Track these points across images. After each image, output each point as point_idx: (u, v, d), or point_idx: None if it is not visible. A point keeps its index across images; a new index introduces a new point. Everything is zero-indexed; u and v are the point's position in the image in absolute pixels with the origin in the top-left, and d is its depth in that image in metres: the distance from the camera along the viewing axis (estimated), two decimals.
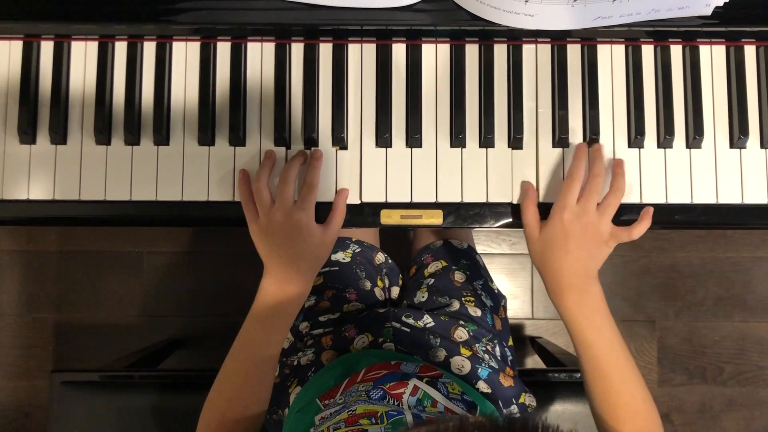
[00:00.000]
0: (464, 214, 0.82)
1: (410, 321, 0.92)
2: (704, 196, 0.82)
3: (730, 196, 0.82)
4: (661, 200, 0.82)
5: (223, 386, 0.80)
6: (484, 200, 0.82)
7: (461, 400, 0.75)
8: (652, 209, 0.79)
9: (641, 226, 0.77)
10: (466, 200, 0.82)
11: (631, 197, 0.82)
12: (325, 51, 0.83)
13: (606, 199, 0.78)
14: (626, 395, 0.74)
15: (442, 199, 0.82)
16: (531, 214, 0.78)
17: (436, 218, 0.82)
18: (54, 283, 1.69)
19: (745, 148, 0.83)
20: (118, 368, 1.26)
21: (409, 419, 0.66)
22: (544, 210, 0.80)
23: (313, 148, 0.82)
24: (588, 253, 0.75)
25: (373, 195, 0.82)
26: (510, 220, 0.82)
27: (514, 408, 0.88)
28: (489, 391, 0.86)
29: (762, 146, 0.83)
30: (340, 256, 1.05)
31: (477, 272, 1.06)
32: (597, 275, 0.76)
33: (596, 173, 0.78)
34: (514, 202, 0.82)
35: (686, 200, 0.82)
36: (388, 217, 0.82)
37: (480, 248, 1.15)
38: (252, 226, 0.79)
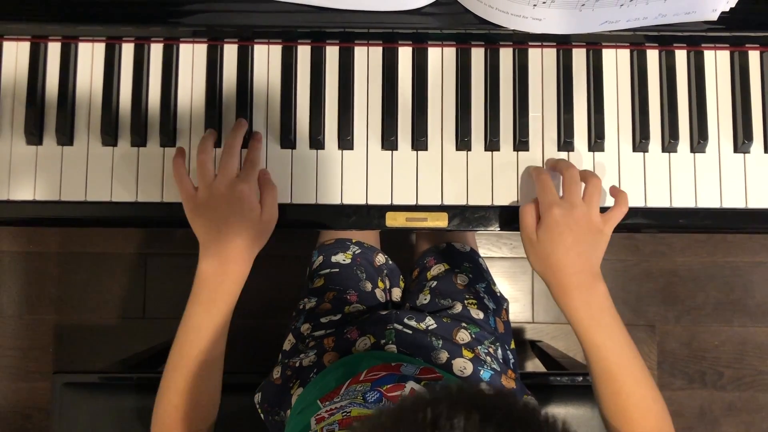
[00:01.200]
0: (469, 217, 0.83)
1: (412, 323, 0.92)
2: (708, 200, 0.83)
3: (733, 200, 0.83)
4: (666, 204, 0.83)
5: (170, 378, 0.77)
6: (489, 203, 0.82)
7: None
8: (619, 188, 0.80)
9: (621, 197, 0.78)
10: (471, 203, 0.82)
11: (636, 201, 0.82)
12: (332, 54, 0.84)
13: (586, 190, 0.77)
14: (637, 396, 0.74)
15: (447, 202, 0.82)
16: (530, 218, 0.77)
17: (441, 221, 0.83)
18: (55, 285, 1.69)
19: (749, 152, 0.83)
20: (120, 370, 1.26)
21: None
22: None
23: (253, 131, 0.82)
24: (588, 246, 0.75)
25: (378, 197, 0.82)
26: (516, 223, 0.83)
27: None
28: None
29: (766, 151, 0.83)
30: (341, 258, 1.05)
31: (479, 275, 1.06)
32: (600, 273, 0.75)
33: (567, 166, 0.78)
34: (521, 205, 0.82)
35: (690, 204, 0.83)
36: (394, 220, 0.83)
37: (481, 252, 1.15)
38: (188, 203, 0.77)
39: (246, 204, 0.75)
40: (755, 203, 0.83)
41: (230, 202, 0.75)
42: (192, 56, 0.84)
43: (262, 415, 0.93)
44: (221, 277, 0.75)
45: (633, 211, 0.82)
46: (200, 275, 0.76)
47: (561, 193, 0.78)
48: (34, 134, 0.81)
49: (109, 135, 0.82)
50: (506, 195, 0.83)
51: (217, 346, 0.78)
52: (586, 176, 0.78)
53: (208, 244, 0.76)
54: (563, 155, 0.83)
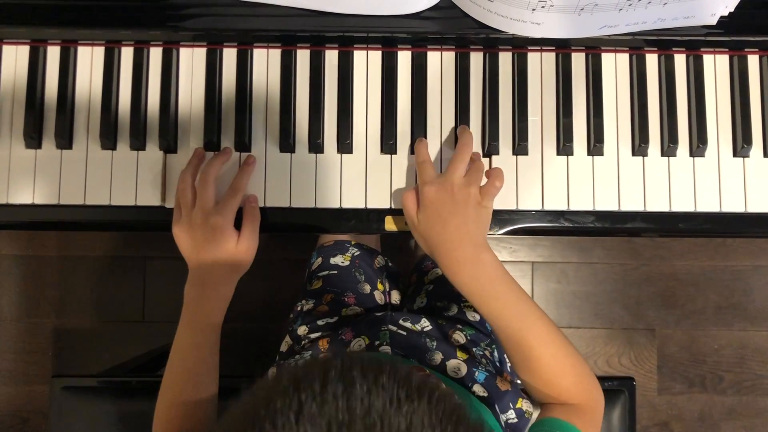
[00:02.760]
0: None
1: (407, 324, 0.92)
2: (708, 204, 0.83)
3: (733, 204, 0.83)
4: (665, 208, 0.83)
5: (164, 396, 0.80)
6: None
7: None
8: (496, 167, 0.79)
9: (495, 172, 0.77)
10: None
11: (635, 205, 0.83)
12: (331, 58, 0.84)
13: (470, 170, 0.77)
14: (546, 356, 0.73)
15: None
16: (410, 203, 0.78)
17: None
18: (54, 288, 1.69)
19: (748, 156, 0.83)
20: (119, 374, 1.25)
21: None
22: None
23: (246, 154, 0.82)
24: (465, 219, 0.74)
25: (377, 201, 0.83)
26: (514, 227, 0.83)
27: (510, 413, 0.88)
28: (485, 394, 0.86)
29: (765, 155, 0.84)
30: (339, 260, 1.05)
31: None
32: (486, 243, 0.75)
33: (462, 145, 0.79)
34: (519, 208, 0.82)
35: (690, 208, 0.83)
36: (393, 224, 0.83)
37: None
38: (173, 227, 0.80)
39: (219, 236, 0.77)
40: (755, 207, 0.83)
41: (205, 232, 0.77)
42: (191, 60, 0.84)
43: None
44: (202, 301, 0.79)
45: (632, 216, 0.83)
46: (185, 298, 0.80)
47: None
48: (33, 138, 0.81)
49: (109, 139, 0.82)
50: (505, 199, 0.82)
51: (204, 363, 0.80)
52: (473, 159, 0.79)
53: (191, 268, 0.80)
54: (562, 159, 0.83)
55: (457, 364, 0.87)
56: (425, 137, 0.82)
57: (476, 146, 0.83)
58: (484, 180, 0.78)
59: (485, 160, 0.83)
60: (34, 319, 1.69)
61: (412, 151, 0.83)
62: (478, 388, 0.85)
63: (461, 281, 0.75)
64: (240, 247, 0.78)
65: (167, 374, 0.80)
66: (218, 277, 0.79)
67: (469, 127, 0.83)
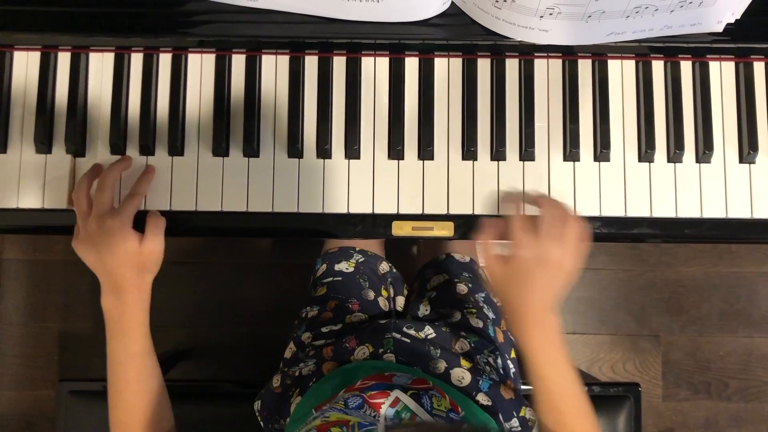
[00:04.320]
0: (475, 227, 0.83)
1: (411, 332, 0.92)
2: (714, 210, 0.83)
3: (739, 210, 0.83)
4: (671, 214, 0.83)
5: (112, 415, 0.80)
6: (495, 213, 0.83)
7: (445, 417, 0.75)
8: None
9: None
10: (477, 212, 0.83)
11: (641, 211, 0.83)
12: (339, 64, 0.84)
13: (565, 232, 0.76)
14: (578, 427, 0.76)
15: (453, 211, 0.83)
16: (489, 253, 0.78)
17: (447, 230, 0.83)
18: (60, 293, 1.69)
19: (754, 163, 0.84)
20: None
21: None
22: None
23: (148, 165, 0.82)
24: (551, 290, 0.76)
25: (385, 207, 0.83)
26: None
27: (514, 421, 0.87)
28: (489, 403, 0.86)
29: None
30: (344, 266, 1.05)
31: (479, 285, 1.06)
32: (556, 307, 0.76)
33: (550, 205, 0.78)
34: (526, 214, 0.82)
35: (696, 214, 0.83)
36: (400, 229, 0.83)
37: (482, 261, 1.15)
38: (73, 240, 0.78)
39: (117, 236, 0.75)
40: (761, 213, 0.83)
41: (102, 238, 0.76)
42: (200, 66, 0.84)
43: (261, 423, 0.93)
44: (121, 308, 0.78)
45: (638, 221, 0.83)
46: (104, 313, 0.79)
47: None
48: (43, 143, 0.82)
49: (118, 144, 0.82)
50: (512, 205, 0.83)
51: (143, 371, 0.80)
52: (566, 217, 0.77)
53: (102, 279, 0.78)
54: (569, 165, 0.83)
55: (461, 372, 0.87)
56: (432, 144, 0.83)
57: (484, 152, 0.83)
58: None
59: (493, 164, 0.83)
60: (40, 323, 1.69)
61: (419, 156, 0.83)
62: (482, 397, 0.85)
63: (526, 338, 0.76)
64: (144, 248, 0.77)
65: (111, 396, 0.79)
66: (129, 280, 0.77)
67: (476, 128, 0.83)
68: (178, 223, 0.83)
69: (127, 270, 0.77)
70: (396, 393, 0.73)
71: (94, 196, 0.78)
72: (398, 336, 0.91)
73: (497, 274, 0.78)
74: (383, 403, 0.72)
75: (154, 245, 0.78)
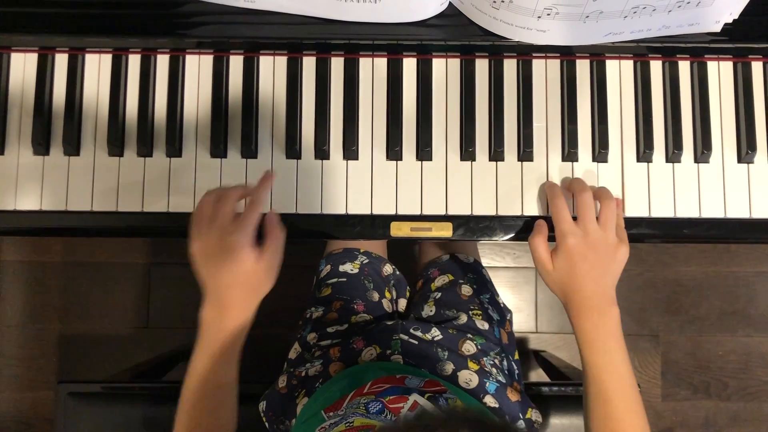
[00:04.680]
0: (474, 227, 0.83)
1: (418, 333, 0.92)
2: (712, 210, 0.83)
3: (738, 210, 0.83)
4: (670, 214, 0.83)
5: (182, 420, 0.77)
6: (493, 213, 0.83)
7: None
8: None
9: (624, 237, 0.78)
10: (476, 213, 0.83)
11: (639, 211, 0.83)
12: (337, 65, 0.84)
13: (601, 212, 0.78)
14: (626, 422, 0.74)
15: (452, 212, 0.83)
16: (543, 250, 0.78)
17: (445, 231, 0.83)
18: (59, 295, 1.69)
19: (752, 162, 0.84)
20: (124, 380, 1.26)
21: None
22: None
23: (265, 170, 0.81)
24: (604, 271, 0.76)
25: (383, 207, 0.83)
26: (519, 232, 0.83)
27: (521, 423, 0.88)
28: (496, 405, 0.86)
29: None
30: (348, 267, 1.05)
31: (483, 286, 1.06)
32: (615, 297, 0.76)
33: (580, 189, 0.78)
34: (524, 214, 0.82)
35: (694, 214, 0.83)
36: (398, 230, 0.83)
37: (484, 261, 1.15)
38: (189, 246, 0.75)
39: (236, 256, 0.72)
40: (759, 213, 0.83)
41: (220, 253, 0.73)
42: (198, 67, 0.84)
43: (266, 424, 0.93)
44: (221, 324, 0.75)
45: (637, 221, 0.83)
46: (201, 323, 0.75)
47: (573, 211, 0.79)
48: (41, 144, 0.82)
49: (116, 145, 0.82)
50: (511, 205, 0.83)
51: (222, 390, 0.78)
52: (601, 197, 0.78)
53: (207, 291, 0.75)
54: (567, 165, 0.83)
55: (469, 374, 0.87)
56: (431, 144, 0.83)
57: (482, 153, 0.83)
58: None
59: (491, 164, 0.83)
60: (39, 325, 1.69)
61: (417, 157, 0.83)
62: (489, 399, 0.85)
63: (584, 327, 0.76)
64: (259, 267, 0.74)
65: (185, 399, 0.76)
66: (236, 300, 0.74)
67: (475, 128, 0.83)
68: (180, 225, 0.82)
69: (237, 291, 0.74)
70: (414, 397, 0.74)
71: (215, 206, 0.75)
72: (406, 337, 0.91)
73: (550, 270, 0.78)
74: (402, 407, 0.72)
75: (271, 265, 0.76)
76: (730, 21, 0.77)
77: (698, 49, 0.83)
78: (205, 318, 0.75)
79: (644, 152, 0.83)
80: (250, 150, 0.82)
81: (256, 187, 0.78)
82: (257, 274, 0.74)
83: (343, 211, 0.83)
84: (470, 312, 0.99)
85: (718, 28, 0.78)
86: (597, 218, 0.77)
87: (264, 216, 0.77)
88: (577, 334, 0.77)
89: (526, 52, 0.84)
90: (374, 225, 0.83)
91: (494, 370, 0.91)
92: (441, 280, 1.07)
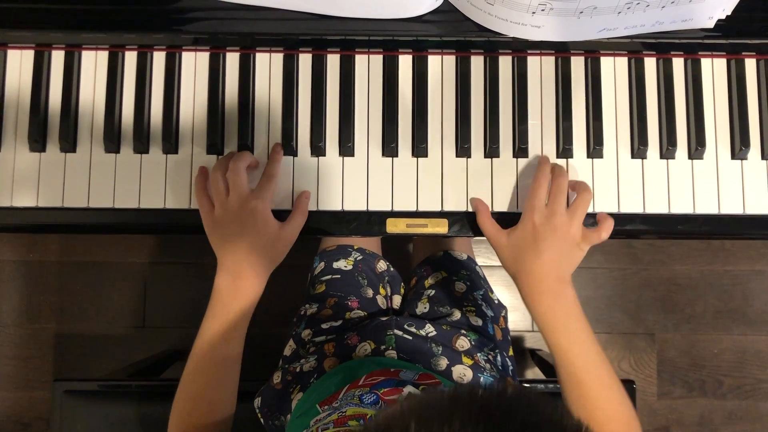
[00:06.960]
0: (469, 224, 0.83)
1: (412, 329, 0.92)
2: (706, 206, 0.83)
3: (731, 206, 0.83)
4: (664, 210, 0.83)
5: (186, 387, 0.79)
6: (489, 210, 0.83)
7: None
8: (606, 213, 0.80)
9: (607, 225, 0.78)
10: (471, 209, 0.83)
11: (634, 207, 0.83)
12: (333, 61, 0.84)
13: (575, 201, 0.78)
14: (603, 400, 0.74)
15: (447, 208, 0.83)
16: (489, 225, 0.80)
17: (441, 227, 0.83)
18: (54, 294, 1.69)
19: (746, 159, 0.84)
20: (119, 378, 1.26)
21: None
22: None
23: (274, 143, 0.83)
24: (560, 255, 0.76)
25: (379, 204, 0.83)
26: None
27: None
28: None
29: (763, 157, 0.84)
30: (342, 264, 1.05)
31: (477, 282, 1.06)
32: (570, 279, 0.76)
33: (558, 173, 0.79)
34: (520, 211, 0.82)
35: (689, 210, 0.83)
36: (394, 226, 0.83)
37: (479, 260, 1.15)
38: (206, 219, 0.79)
39: (259, 219, 0.76)
40: (753, 209, 0.83)
41: (242, 218, 0.76)
42: (194, 64, 0.84)
43: (261, 420, 0.93)
44: (234, 293, 0.77)
45: (632, 218, 0.83)
46: (215, 290, 0.78)
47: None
48: (37, 141, 0.82)
49: (112, 142, 0.82)
50: (506, 201, 0.83)
51: (230, 360, 0.80)
52: (579, 188, 0.79)
53: (223, 260, 0.78)
54: (562, 162, 0.84)
55: (463, 369, 0.87)
56: (426, 141, 0.83)
57: (478, 149, 0.84)
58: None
59: (487, 161, 0.84)
60: (35, 324, 1.69)
61: (413, 154, 0.83)
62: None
63: (539, 310, 0.76)
64: (282, 233, 0.78)
65: (191, 366, 0.79)
66: (254, 268, 0.77)
67: (470, 125, 0.83)
68: (176, 222, 0.83)
69: (257, 256, 0.77)
70: (409, 389, 0.74)
71: (229, 179, 0.77)
72: (400, 333, 0.91)
73: (505, 244, 0.78)
74: (397, 399, 0.72)
75: (293, 234, 0.79)
76: (723, 17, 0.77)
77: (692, 45, 0.83)
78: (219, 285, 0.78)
79: (639, 149, 0.83)
80: (246, 146, 0.82)
81: (268, 161, 0.81)
82: (279, 240, 0.78)
83: (339, 208, 0.83)
84: (464, 308, 0.99)
85: (711, 24, 0.78)
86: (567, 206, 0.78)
87: (301, 194, 0.82)
88: (535, 319, 0.77)
89: (521, 49, 0.84)
90: (370, 221, 0.83)
91: (488, 366, 0.91)
92: (434, 277, 1.07)
